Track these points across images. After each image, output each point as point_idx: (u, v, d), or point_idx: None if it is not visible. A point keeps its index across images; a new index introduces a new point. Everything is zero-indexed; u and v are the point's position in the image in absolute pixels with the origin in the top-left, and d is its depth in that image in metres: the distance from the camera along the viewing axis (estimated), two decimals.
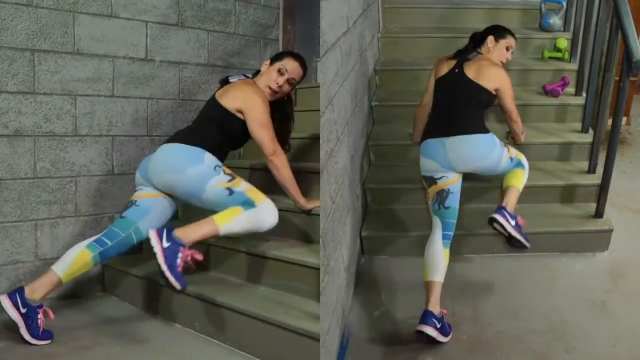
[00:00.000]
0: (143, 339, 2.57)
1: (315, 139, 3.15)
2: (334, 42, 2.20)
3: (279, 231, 2.85)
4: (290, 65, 2.72)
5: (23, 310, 2.35)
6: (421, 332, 2.25)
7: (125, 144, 3.26)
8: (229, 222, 2.37)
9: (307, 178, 2.72)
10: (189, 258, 2.29)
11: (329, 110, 2.13)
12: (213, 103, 2.65)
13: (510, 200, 2.58)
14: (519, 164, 2.70)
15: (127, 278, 3.03)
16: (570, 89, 3.56)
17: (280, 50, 4.04)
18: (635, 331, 2.39)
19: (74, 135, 3.05)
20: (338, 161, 2.30)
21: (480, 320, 2.31)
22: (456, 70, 2.64)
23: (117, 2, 3.15)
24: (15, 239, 2.90)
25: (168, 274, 2.22)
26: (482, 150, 2.55)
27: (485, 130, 2.58)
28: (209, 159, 2.50)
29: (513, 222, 2.49)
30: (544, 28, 3.88)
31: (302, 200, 2.64)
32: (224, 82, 2.77)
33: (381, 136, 3.32)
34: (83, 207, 3.12)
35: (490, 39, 2.78)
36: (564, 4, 3.82)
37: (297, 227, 2.78)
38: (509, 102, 2.76)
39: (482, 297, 2.59)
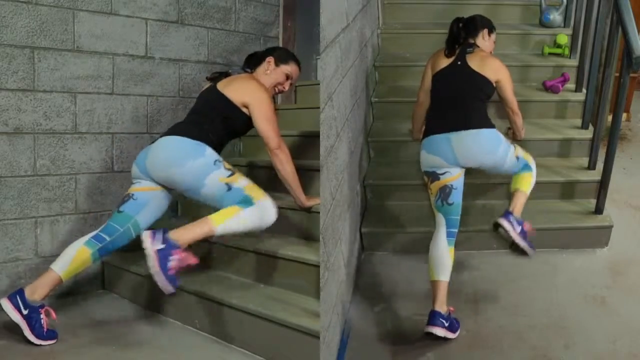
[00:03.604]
0: (143, 336, 2.57)
1: (314, 137, 3.15)
2: (334, 38, 2.20)
3: (279, 229, 2.85)
4: (295, 71, 2.81)
5: (25, 312, 2.32)
6: (430, 333, 2.25)
7: (125, 141, 3.26)
8: (226, 221, 2.34)
9: (306, 175, 2.72)
10: (183, 262, 2.27)
11: (329, 106, 2.13)
12: (216, 94, 2.63)
13: (518, 206, 2.54)
14: (526, 167, 2.65)
15: (127, 276, 3.03)
16: (571, 85, 3.56)
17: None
18: (635, 327, 2.39)
19: (73, 132, 3.06)
20: (338, 157, 2.30)
21: (480, 315, 2.31)
22: (459, 63, 2.60)
23: None
24: (15, 236, 2.90)
25: (158, 277, 2.22)
26: (489, 145, 2.49)
27: (490, 125, 2.52)
28: (210, 153, 2.48)
29: (518, 229, 2.46)
30: (544, 24, 3.88)
31: (302, 197, 2.64)
32: (223, 75, 2.76)
33: (381, 132, 3.32)
34: (83, 205, 3.12)
35: (485, 32, 2.75)
36: (564, 0, 3.82)
37: (297, 224, 2.78)
38: (510, 93, 2.71)
39: (482, 292, 2.59)
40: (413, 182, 3.01)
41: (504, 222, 2.46)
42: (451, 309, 2.34)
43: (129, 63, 3.24)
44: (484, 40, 2.74)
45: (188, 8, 3.48)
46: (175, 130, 2.56)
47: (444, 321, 2.26)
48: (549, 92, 3.50)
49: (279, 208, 2.83)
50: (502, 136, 2.55)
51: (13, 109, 2.85)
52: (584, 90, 3.44)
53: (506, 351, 2.29)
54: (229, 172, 2.47)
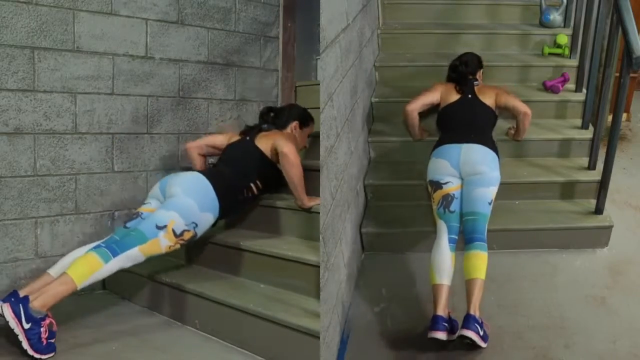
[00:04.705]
0: (143, 336, 2.57)
1: (314, 137, 3.15)
2: (334, 39, 2.20)
3: (279, 229, 2.86)
4: (313, 128, 3.17)
5: (27, 326, 2.20)
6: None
7: (125, 141, 3.26)
8: (88, 279, 2.35)
9: (307, 175, 2.72)
10: (52, 327, 2.30)
11: (329, 106, 2.13)
12: (255, 151, 2.87)
13: (478, 302, 2.32)
14: (484, 240, 2.47)
15: (127, 276, 3.02)
16: (571, 85, 3.56)
17: (280, 48, 4.04)
18: (635, 327, 2.39)
19: (74, 133, 3.06)
20: (338, 157, 2.30)
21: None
22: (469, 96, 2.88)
23: None
24: (15, 236, 2.90)
25: (37, 356, 2.22)
26: (490, 162, 2.59)
27: (497, 153, 2.67)
28: (207, 218, 2.64)
29: (482, 332, 2.27)
30: (544, 24, 3.88)
31: (305, 199, 2.67)
32: (256, 129, 3.03)
33: (381, 132, 3.32)
34: (83, 205, 3.12)
35: (481, 71, 3.09)
36: (564, 0, 3.82)
37: (297, 224, 2.78)
38: (515, 99, 2.92)
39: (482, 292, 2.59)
40: (413, 182, 3.01)
41: (471, 335, 2.23)
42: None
43: (129, 63, 3.24)
44: (480, 77, 3.07)
45: (188, 8, 3.48)
46: (214, 177, 2.72)
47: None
48: (549, 92, 3.50)
49: (279, 208, 2.85)
50: (499, 168, 2.63)
51: (13, 109, 2.85)
52: (584, 90, 3.44)
53: (506, 351, 2.29)
54: (180, 236, 2.55)
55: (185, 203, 2.57)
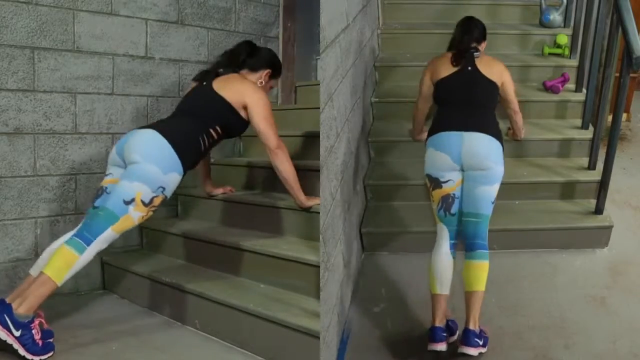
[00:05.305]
0: (143, 336, 2.57)
1: (314, 137, 3.15)
2: (334, 39, 2.20)
3: (279, 229, 2.86)
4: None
5: (17, 334, 2.17)
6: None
7: None
8: (67, 273, 2.28)
9: (306, 175, 2.72)
10: (43, 327, 2.28)
11: (329, 106, 2.13)
12: (214, 96, 2.62)
13: (478, 314, 2.29)
14: (485, 246, 2.40)
15: (126, 276, 3.03)
16: (571, 85, 3.56)
17: (280, 48, 4.04)
18: (635, 327, 2.39)
19: (73, 133, 3.06)
20: (338, 157, 2.30)
21: (480, 316, 2.31)
22: (469, 68, 2.55)
23: None
24: (15, 236, 2.90)
25: (37, 358, 2.21)
26: (495, 156, 2.39)
27: (502, 142, 2.45)
28: (173, 178, 2.47)
29: (482, 341, 2.26)
30: (544, 24, 3.88)
31: (302, 197, 2.65)
32: (212, 74, 2.74)
33: (381, 132, 3.32)
34: (83, 205, 3.12)
35: (485, 42, 2.71)
36: (564, 0, 3.82)
37: (297, 224, 2.78)
38: (513, 94, 2.69)
39: None
40: (413, 182, 3.01)
41: (472, 352, 2.22)
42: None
43: (129, 63, 3.24)
44: (483, 49, 2.70)
45: (188, 8, 3.48)
46: (170, 133, 2.49)
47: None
48: (549, 92, 3.50)
49: (280, 208, 2.85)
50: (503, 166, 2.46)
51: (13, 109, 2.85)
52: (584, 90, 3.44)
53: (506, 351, 2.29)
54: (152, 206, 2.44)
55: (148, 170, 2.41)
